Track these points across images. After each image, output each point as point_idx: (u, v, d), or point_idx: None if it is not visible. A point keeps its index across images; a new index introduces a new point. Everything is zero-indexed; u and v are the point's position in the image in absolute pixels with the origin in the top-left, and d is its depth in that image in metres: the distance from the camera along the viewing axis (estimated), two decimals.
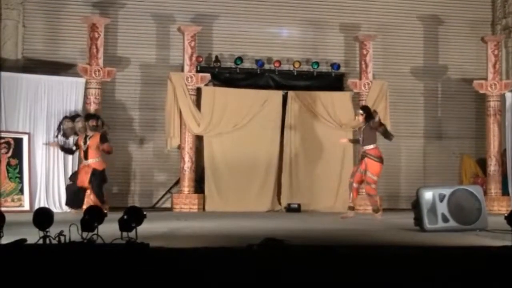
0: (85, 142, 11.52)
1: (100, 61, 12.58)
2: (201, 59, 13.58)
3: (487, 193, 13.18)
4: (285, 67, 14.23)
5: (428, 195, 8.08)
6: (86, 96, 12.47)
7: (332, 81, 14.34)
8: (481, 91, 13.79)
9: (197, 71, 13.26)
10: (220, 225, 9.16)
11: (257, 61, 13.99)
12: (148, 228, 6.65)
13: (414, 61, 14.92)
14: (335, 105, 13.57)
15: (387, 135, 11.06)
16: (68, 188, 11.62)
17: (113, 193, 13.30)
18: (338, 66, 14.25)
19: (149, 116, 13.78)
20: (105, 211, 10.18)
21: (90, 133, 11.57)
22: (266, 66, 14.12)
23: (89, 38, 12.61)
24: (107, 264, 4.97)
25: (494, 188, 13.56)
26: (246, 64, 14.10)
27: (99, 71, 12.51)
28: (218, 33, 14.19)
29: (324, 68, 14.33)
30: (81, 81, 12.48)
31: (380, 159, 10.77)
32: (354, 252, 5.68)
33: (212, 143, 13.25)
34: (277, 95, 13.68)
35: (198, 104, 13.12)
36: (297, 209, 12.96)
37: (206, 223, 9.61)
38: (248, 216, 11.10)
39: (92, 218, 5.61)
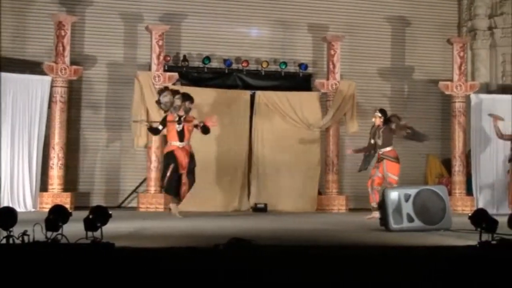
0: (179, 122, 10.73)
1: (67, 60, 12.47)
2: (168, 58, 13.53)
3: (451, 193, 13.30)
4: (253, 67, 14.24)
5: (393, 195, 8.15)
6: (52, 95, 12.35)
7: (300, 81, 14.38)
8: (447, 92, 13.91)
9: (165, 70, 13.20)
10: (187, 225, 9.13)
11: (225, 61, 13.97)
12: (114, 227, 6.61)
13: (381, 62, 15.02)
14: (302, 105, 13.60)
15: (417, 136, 11.24)
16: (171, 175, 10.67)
17: (79, 192, 13.20)
18: (306, 66, 14.30)
19: (116, 115, 13.69)
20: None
21: (182, 113, 10.80)
22: (234, 66, 14.11)
23: (56, 36, 12.50)
24: (72, 264, 4.93)
25: (459, 188, 13.69)
26: (214, 64, 14.07)
27: (65, 69, 12.40)
28: (186, 32, 14.15)
29: (292, 68, 14.37)
30: (47, 79, 12.35)
31: (398, 160, 10.96)
32: (321, 253, 5.69)
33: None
34: (245, 95, 13.67)
35: None
36: (264, 209, 12.96)
37: (173, 223, 9.56)
38: (215, 216, 11.09)
39: (57, 218, 5.55)
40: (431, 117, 15.04)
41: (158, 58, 13.02)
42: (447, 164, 14.42)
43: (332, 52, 13.76)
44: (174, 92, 10.96)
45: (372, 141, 11.12)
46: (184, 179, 10.68)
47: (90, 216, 5.71)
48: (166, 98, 10.80)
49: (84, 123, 13.53)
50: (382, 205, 8.24)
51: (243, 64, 14.01)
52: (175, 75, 13.17)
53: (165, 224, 9.28)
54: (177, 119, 10.74)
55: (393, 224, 8.04)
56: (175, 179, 10.62)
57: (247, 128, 13.51)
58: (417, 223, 8.06)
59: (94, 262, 4.98)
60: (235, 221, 10.11)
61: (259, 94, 13.69)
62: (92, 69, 13.61)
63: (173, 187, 10.66)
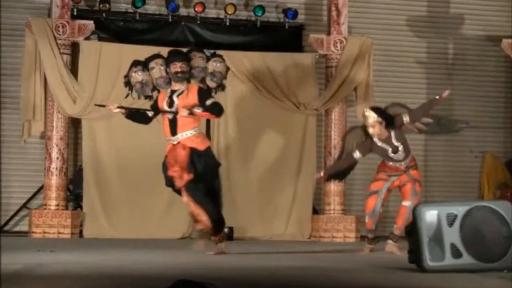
0: (170, 105, 10.10)
1: None
2: None
3: None
4: (212, 13, 14.28)
5: (430, 215, 8.19)
6: None
7: (286, 36, 14.46)
8: None
9: (73, 17, 13.21)
10: (107, 259, 9.13)
11: (168, 3, 13.98)
12: None
13: (411, 8, 15.10)
14: (289, 73, 13.65)
15: (446, 126, 11.13)
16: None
17: None
18: (295, 13, 14.33)
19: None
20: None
21: (177, 86, 10.12)
22: (182, 12, 14.14)
23: None
24: None
25: None
26: (151, 8, 14.14)
27: None
28: None
29: (273, 15, 14.42)
30: None
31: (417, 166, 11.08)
32: None
33: (95, 130, 13.20)
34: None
35: (74, 68, 13.09)
36: (229, 236, 12.99)
37: (85, 256, 9.56)
38: (151, 246, 11.10)
39: None
40: (489, 94, 15.15)
41: None
42: None
43: None
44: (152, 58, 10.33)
45: (357, 156, 10.71)
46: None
47: None
48: (133, 77, 10.21)
49: None
50: (412, 232, 8.29)
51: (196, 9, 14.02)
52: (90, 24, 13.21)
53: (73, 258, 9.27)
54: (166, 101, 10.11)
55: (429, 261, 8.09)
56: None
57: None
58: (466, 259, 8.11)
59: None
60: (184, 254, 10.15)
61: (221, 55, 13.69)
62: None
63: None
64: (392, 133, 10.55)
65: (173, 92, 9.99)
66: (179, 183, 9.85)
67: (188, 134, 9.89)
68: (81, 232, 12.89)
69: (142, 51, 13.26)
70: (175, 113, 9.86)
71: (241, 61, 13.67)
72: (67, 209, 12.89)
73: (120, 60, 13.19)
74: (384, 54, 14.44)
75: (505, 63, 14.67)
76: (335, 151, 13.50)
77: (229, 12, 14.10)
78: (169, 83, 10.02)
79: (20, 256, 9.02)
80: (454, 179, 14.86)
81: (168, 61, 10.06)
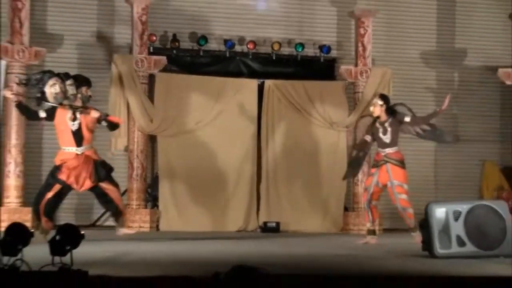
0: (74, 119, 9.75)
1: (25, 39, 12.55)
2: (154, 38, 13.59)
3: None
4: (262, 49, 14.27)
5: (440, 212, 8.17)
6: (6, 83, 12.42)
7: (321, 67, 14.41)
8: (508, 82, 13.94)
9: (150, 53, 13.28)
10: (179, 248, 9.17)
11: (226, 42, 14.01)
12: (87, 251, 6.65)
13: (425, 44, 15.03)
14: (324, 98, 13.64)
15: (438, 135, 10.87)
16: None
17: None
18: (329, 49, 14.30)
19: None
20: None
21: (79, 103, 9.84)
22: (238, 48, 14.16)
23: (11, 8, 12.56)
24: None
25: None
26: (212, 45, 14.12)
27: (23, 51, 12.49)
28: (177, 5, 14.18)
29: (310, 51, 14.39)
30: (2, 64, 12.45)
31: (404, 164, 10.50)
32: (347, 285, 5.72)
33: (169, 144, 13.25)
34: (252, 84, 13.71)
35: (151, 95, 13.14)
36: (276, 229, 13.01)
37: (161, 246, 9.62)
38: (214, 238, 11.12)
39: (15, 239, 5.60)
40: (488, 113, 15.05)
41: (141, 38, 13.09)
42: (509, 173, 14.42)
43: (362, 31, 13.80)
44: (64, 77, 9.89)
45: (368, 138, 10.72)
46: (109, 189, 9.90)
47: (57, 237, 5.75)
48: (55, 87, 9.66)
49: None
50: (425, 225, 8.27)
51: (249, 46, 14.05)
52: (163, 59, 13.23)
53: (152, 247, 9.33)
54: (70, 113, 9.72)
55: (439, 249, 8.07)
56: (53, 203, 9.81)
57: (255, 128, 13.55)
58: (469, 247, 8.08)
59: None
60: (240, 244, 10.17)
61: (269, 84, 13.72)
62: (57, 51, 13.67)
63: (45, 208, 9.75)
64: (389, 120, 10.44)
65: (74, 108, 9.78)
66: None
67: None
68: (157, 226, 12.94)
69: (205, 81, 13.42)
70: None
71: (286, 88, 13.69)
72: (146, 208, 12.96)
73: (187, 88, 13.29)
74: (401, 82, 14.37)
75: (500, 88, 14.58)
76: None
77: (275, 49, 14.11)
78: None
79: (110, 246, 9.11)
80: (459, 182, 14.77)
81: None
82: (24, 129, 12.61)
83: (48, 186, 9.81)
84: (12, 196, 12.43)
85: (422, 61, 15.04)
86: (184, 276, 5.70)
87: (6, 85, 12.36)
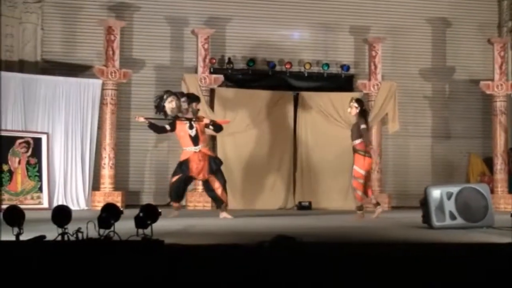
0: (191, 127, 9.99)
1: (116, 63, 12.62)
2: (214, 61, 13.60)
3: (493, 191, 13.14)
4: (296, 68, 14.22)
5: (436, 193, 8.07)
6: (102, 97, 12.53)
7: (342, 82, 14.32)
8: (488, 92, 13.75)
9: (211, 73, 13.27)
10: (232, 222, 9.17)
11: (268, 63, 13.98)
12: (163, 225, 6.67)
13: (423, 63, 14.88)
14: (345, 105, 13.49)
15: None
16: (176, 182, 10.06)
17: (129, 191, 13.33)
18: (348, 68, 14.23)
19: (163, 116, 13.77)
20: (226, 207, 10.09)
21: (190, 115, 10.07)
22: (278, 68, 14.11)
23: (106, 40, 12.65)
24: (123, 260, 4.99)
25: (501, 186, 13.52)
26: (258, 66, 14.10)
27: (115, 72, 12.56)
28: (231, 35, 14.20)
29: (334, 69, 14.31)
30: (98, 82, 12.53)
31: (364, 153, 10.24)
32: (364, 250, 5.67)
33: (225, 142, 13.27)
34: (289, 96, 13.68)
35: (211, 104, 13.13)
36: (308, 207, 12.96)
37: (219, 220, 9.62)
38: (260, 214, 11.11)
39: (109, 216, 5.63)
40: (472, 116, 14.88)
41: (204, 61, 13.10)
42: (489, 162, 14.24)
43: (374, 53, 13.69)
44: (180, 95, 10.20)
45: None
46: (215, 183, 10.03)
47: (141, 214, 5.76)
48: (172, 103, 9.90)
49: (133, 124, 13.64)
50: (424, 203, 8.18)
51: (286, 66, 14.01)
52: (221, 77, 13.22)
53: (212, 222, 9.34)
54: (188, 123, 9.97)
55: (435, 222, 7.98)
56: (180, 186, 10.05)
57: (291, 128, 13.52)
58: (459, 220, 7.98)
59: (144, 258, 5.04)
60: (280, 219, 10.11)
61: (302, 95, 13.68)
62: (140, 72, 13.74)
63: (174, 192, 10.06)
64: (358, 120, 10.29)
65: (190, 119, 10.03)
66: None
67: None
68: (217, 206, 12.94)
69: (253, 94, 13.41)
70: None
71: (314, 98, 13.62)
72: None
73: (239, 99, 13.28)
74: (404, 92, 14.25)
75: (482, 96, 14.37)
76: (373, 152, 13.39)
77: (307, 68, 14.05)
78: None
79: (180, 220, 9.13)
80: (451, 170, 14.63)
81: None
82: (116, 132, 12.68)
83: (174, 174, 10.11)
84: (106, 182, 12.50)
85: (420, 76, 14.87)
86: (236, 244, 5.68)
87: (102, 99, 12.46)
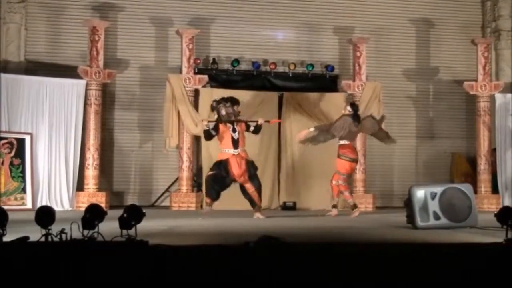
0: (234, 130, 10.32)
1: (101, 63, 12.57)
2: (198, 61, 13.58)
3: (477, 191, 13.20)
4: (281, 69, 14.23)
5: (420, 193, 8.10)
6: (86, 97, 12.48)
7: (327, 82, 14.34)
8: (472, 92, 13.81)
9: (195, 73, 13.24)
10: (217, 223, 9.16)
11: (253, 63, 13.99)
12: (147, 226, 6.64)
13: (406, 63, 14.94)
14: (329, 106, 13.56)
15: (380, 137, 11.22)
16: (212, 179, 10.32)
17: (113, 192, 13.30)
18: (332, 68, 14.26)
19: (148, 116, 13.78)
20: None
21: (233, 118, 10.36)
22: (262, 68, 14.12)
23: (90, 41, 12.60)
24: (108, 260, 4.97)
25: (484, 186, 13.58)
26: (243, 66, 14.10)
27: (99, 73, 12.51)
28: (215, 36, 14.20)
29: (318, 70, 14.34)
30: (82, 82, 12.48)
31: (341, 156, 10.93)
32: (348, 250, 5.68)
33: (209, 143, 13.18)
34: (273, 96, 13.68)
35: (196, 105, 13.10)
36: (293, 208, 12.96)
37: (203, 221, 9.60)
38: (245, 214, 11.09)
39: (93, 216, 5.60)
40: (456, 116, 14.96)
41: (188, 61, 13.07)
42: (473, 162, 14.31)
43: (358, 53, 13.71)
44: (223, 101, 10.45)
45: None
46: (250, 188, 10.32)
47: (125, 215, 5.74)
48: (225, 109, 10.31)
49: (117, 125, 13.63)
50: (408, 203, 8.20)
51: (271, 66, 14.02)
52: (205, 77, 13.20)
53: (196, 222, 9.32)
54: (231, 126, 10.30)
55: (419, 222, 8.00)
56: (216, 185, 10.28)
57: (276, 129, 13.51)
58: (443, 220, 8.01)
59: (129, 258, 5.02)
60: (265, 219, 10.10)
61: (287, 95, 13.68)
62: (124, 72, 13.72)
63: (210, 188, 10.37)
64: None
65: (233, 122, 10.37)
66: None
67: None
68: (201, 206, 12.89)
69: (237, 94, 13.31)
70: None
71: (300, 98, 13.61)
72: (193, 192, 12.96)
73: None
74: (389, 93, 14.29)
75: (465, 97, 14.45)
76: (359, 154, 13.43)
77: (291, 68, 14.08)
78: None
79: (164, 221, 9.11)
80: (435, 170, 14.69)
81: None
82: (100, 132, 12.63)
83: (210, 169, 10.46)
84: (91, 183, 12.44)
85: (404, 76, 14.94)
86: (221, 245, 5.68)
87: (86, 100, 12.42)
